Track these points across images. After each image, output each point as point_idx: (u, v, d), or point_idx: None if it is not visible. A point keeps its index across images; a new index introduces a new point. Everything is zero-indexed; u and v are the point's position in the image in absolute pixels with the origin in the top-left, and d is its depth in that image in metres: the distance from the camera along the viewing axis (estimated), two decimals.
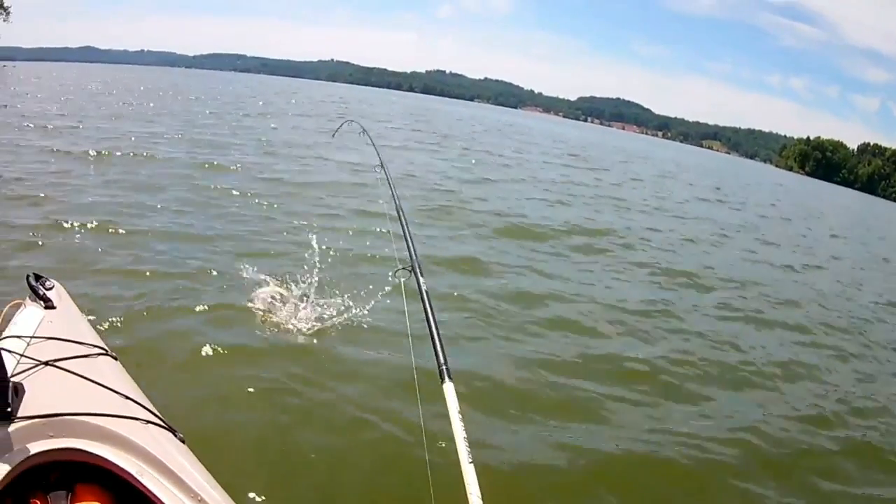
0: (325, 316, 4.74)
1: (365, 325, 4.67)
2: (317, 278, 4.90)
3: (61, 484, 1.30)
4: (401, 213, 2.45)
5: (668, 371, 5.07)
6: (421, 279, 1.93)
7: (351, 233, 7.40)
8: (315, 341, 4.48)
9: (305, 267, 5.07)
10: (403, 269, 2.01)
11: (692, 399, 4.70)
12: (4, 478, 1.19)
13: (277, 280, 5.18)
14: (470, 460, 1.40)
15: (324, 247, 5.35)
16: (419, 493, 1.89)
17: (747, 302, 7.79)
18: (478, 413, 3.76)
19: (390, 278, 1.85)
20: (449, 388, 1.58)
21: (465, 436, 1.46)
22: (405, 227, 2.30)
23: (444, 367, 1.64)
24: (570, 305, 6.30)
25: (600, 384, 4.57)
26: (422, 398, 1.99)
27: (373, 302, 4.79)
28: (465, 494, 1.34)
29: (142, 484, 1.31)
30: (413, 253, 2.11)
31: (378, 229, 6.67)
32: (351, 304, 4.84)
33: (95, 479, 1.34)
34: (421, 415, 2.10)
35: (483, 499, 1.33)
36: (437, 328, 1.75)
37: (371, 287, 4.92)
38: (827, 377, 5.71)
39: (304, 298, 4.84)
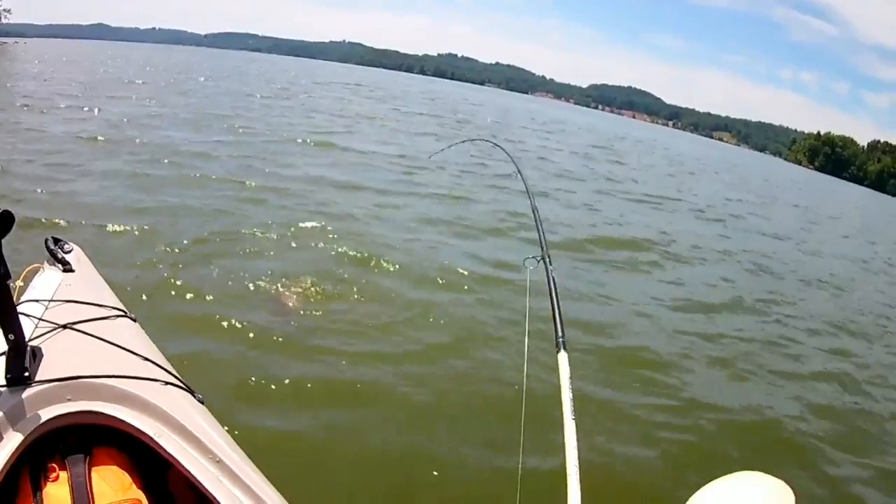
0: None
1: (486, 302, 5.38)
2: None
3: (79, 447, 1.29)
4: (536, 213, 2.65)
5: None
6: (550, 267, 2.08)
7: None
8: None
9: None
10: (533, 257, 2.15)
11: None
12: (22, 442, 1.19)
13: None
14: (573, 417, 1.48)
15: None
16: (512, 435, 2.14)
17: None
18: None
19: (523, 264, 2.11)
20: (563, 357, 1.68)
21: (571, 396, 1.55)
22: (538, 221, 2.51)
23: (560, 339, 1.74)
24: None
25: None
26: (533, 363, 2.19)
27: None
28: (563, 448, 1.42)
29: (160, 445, 1.31)
30: (543, 241, 2.30)
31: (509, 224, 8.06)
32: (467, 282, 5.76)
33: (113, 441, 1.35)
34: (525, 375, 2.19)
35: (580, 459, 1.39)
36: (559, 305, 1.90)
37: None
38: None
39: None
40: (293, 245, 6.09)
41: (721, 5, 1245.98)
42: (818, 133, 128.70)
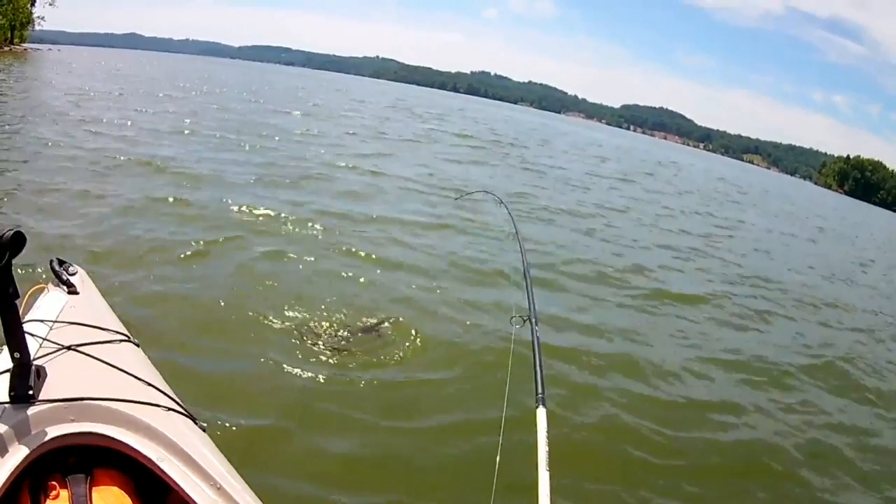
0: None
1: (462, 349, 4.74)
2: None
3: (80, 467, 1.30)
4: (527, 274, 2.62)
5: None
6: (535, 327, 2.12)
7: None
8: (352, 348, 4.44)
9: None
10: (520, 316, 2.19)
11: None
12: (24, 460, 1.20)
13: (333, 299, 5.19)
14: (547, 470, 1.51)
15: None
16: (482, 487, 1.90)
17: None
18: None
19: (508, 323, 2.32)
20: (541, 413, 1.72)
21: (548, 450, 1.57)
22: (528, 282, 2.50)
23: (540, 396, 1.77)
24: None
25: None
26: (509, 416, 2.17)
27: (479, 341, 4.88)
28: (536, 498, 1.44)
29: (161, 470, 1.31)
30: (532, 302, 2.30)
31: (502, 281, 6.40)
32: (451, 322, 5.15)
33: (115, 463, 1.35)
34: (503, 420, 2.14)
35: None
36: (541, 364, 1.93)
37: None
38: None
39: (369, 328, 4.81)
40: (304, 274, 5.89)
41: (752, 26, 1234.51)
42: (847, 156, 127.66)
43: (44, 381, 1.38)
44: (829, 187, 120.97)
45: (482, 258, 7.46)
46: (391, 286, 5.89)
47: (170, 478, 1.32)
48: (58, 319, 1.72)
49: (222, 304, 4.83)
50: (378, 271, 6.24)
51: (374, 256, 6.69)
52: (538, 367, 1.91)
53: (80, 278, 2.06)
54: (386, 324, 4.86)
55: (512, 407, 2.26)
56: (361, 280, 5.89)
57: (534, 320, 2.20)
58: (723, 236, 13.68)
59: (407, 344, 4.61)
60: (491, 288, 6.29)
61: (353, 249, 6.82)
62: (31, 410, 1.30)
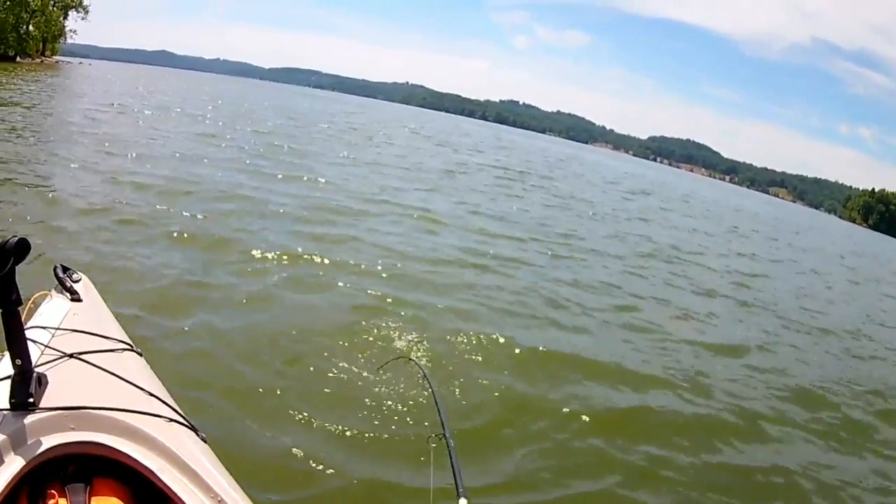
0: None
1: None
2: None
3: (80, 476, 1.29)
4: (435, 396, 2.54)
5: None
6: (451, 444, 2.09)
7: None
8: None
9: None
10: (436, 435, 2.18)
11: None
12: (23, 468, 1.19)
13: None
14: None
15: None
16: None
17: None
18: None
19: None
20: None
21: None
22: (438, 403, 2.44)
23: (460, 491, 1.76)
24: None
25: None
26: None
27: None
28: None
29: (162, 481, 1.30)
30: (444, 420, 2.26)
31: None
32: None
33: (114, 473, 1.33)
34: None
35: None
36: (460, 474, 1.87)
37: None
38: None
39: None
40: (312, 295, 5.82)
41: (778, 59, 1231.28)
42: (872, 190, 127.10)
43: (45, 388, 1.36)
44: (854, 221, 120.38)
45: None
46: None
47: (170, 489, 1.31)
48: (60, 327, 1.71)
49: (239, 322, 4.84)
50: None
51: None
52: (457, 478, 1.86)
53: (83, 286, 2.05)
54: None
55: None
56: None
57: (448, 439, 2.17)
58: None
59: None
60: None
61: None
62: (32, 418, 1.29)
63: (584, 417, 4.47)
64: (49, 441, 1.27)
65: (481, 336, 5.40)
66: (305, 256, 6.92)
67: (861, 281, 18.59)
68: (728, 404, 5.34)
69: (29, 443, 1.25)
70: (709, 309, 8.93)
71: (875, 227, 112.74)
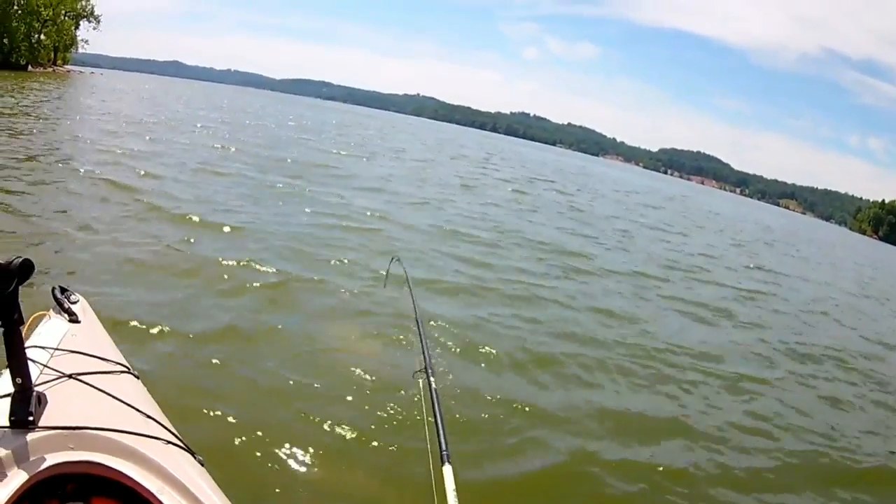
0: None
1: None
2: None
3: (78, 495, 1.31)
4: (421, 327, 2.65)
5: None
6: (432, 379, 2.13)
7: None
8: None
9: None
10: (421, 370, 2.22)
11: None
12: (21, 486, 1.20)
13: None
14: None
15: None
16: None
17: None
18: None
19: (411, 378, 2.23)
20: (448, 471, 1.71)
21: None
22: (423, 336, 2.53)
23: (444, 453, 1.77)
24: None
25: None
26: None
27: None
28: None
29: (160, 502, 1.31)
30: (427, 355, 2.31)
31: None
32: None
33: (112, 493, 1.34)
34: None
35: None
36: (442, 418, 1.89)
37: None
38: None
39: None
40: (315, 313, 5.69)
41: (787, 69, 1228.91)
42: (882, 201, 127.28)
43: (44, 407, 1.36)
44: (864, 233, 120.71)
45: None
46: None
47: None
48: (59, 347, 1.71)
49: (239, 344, 4.73)
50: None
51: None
52: (439, 423, 1.88)
53: (81, 307, 2.04)
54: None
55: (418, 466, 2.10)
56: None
57: (429, 371, 2.19)
58: None
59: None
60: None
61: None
62: (31, 436, 1.29)
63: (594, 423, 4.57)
64: (48, 459, 1.28)
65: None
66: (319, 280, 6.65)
67: None
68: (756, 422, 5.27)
69: (28, 461, 1.25)
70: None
71: (885, 239, 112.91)
